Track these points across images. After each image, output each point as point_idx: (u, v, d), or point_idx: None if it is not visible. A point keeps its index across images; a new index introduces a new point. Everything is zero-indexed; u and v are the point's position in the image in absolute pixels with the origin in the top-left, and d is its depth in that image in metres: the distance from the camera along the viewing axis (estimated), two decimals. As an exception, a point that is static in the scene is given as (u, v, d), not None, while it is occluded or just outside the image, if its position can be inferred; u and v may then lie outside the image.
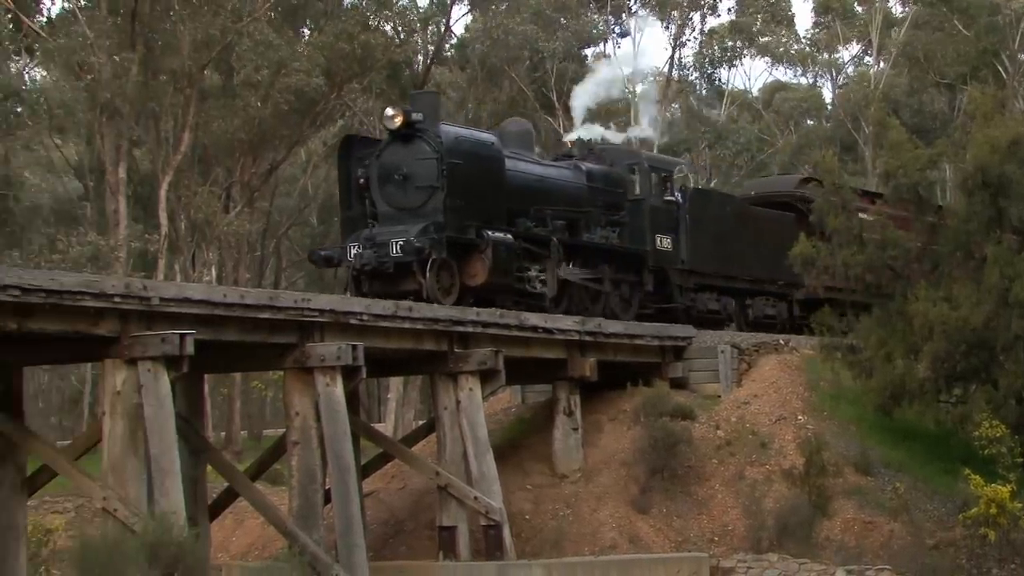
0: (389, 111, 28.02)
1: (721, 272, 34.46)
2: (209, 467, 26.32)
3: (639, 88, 66.80)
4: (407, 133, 27.24)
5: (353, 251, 26.75)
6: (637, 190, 32.41)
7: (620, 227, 31.78)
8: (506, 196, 28.46)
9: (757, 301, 36.39)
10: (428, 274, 25.86)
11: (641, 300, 32.16)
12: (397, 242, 26.00)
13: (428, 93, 32.56)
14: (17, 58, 47.17)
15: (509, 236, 27.77)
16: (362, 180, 27.71)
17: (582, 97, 39.38)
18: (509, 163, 29.11)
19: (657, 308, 32.48)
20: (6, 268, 19.72)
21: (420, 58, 57.13)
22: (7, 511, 22.39)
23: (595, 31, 61.43)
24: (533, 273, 28.78)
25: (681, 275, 32.99)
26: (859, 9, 67.65)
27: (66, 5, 50.54)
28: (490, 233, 27.06)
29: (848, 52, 71.69)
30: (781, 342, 34.03)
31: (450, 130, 28.00)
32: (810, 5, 71.55)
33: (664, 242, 32.30)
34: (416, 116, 27.15)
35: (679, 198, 33.51)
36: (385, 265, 26.14)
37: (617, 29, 64.36)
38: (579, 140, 34.47)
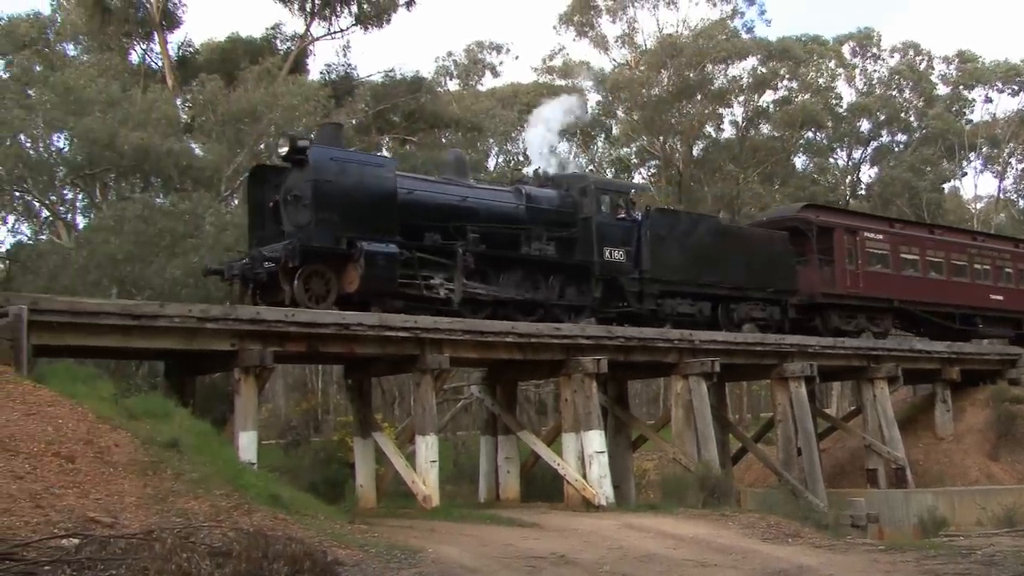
0: (280, 141, 18.97)
1: (693, 280, 23.35)
2: (731, 435, 26.54)
3: (979, 205, 63.84)
4: (300, 159, 17.96)
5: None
6: (585, 210, 21.97)
7: (570, 242, 21.66)
8: (403, 212, 18.62)
9: (742, 306, 24.38)
10: (296, 282, 16.95)
11: (594, 305, 21.69)
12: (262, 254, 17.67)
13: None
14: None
15: (391, 247, 17.93)
16: (271, 203, 18.50)
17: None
18: (423, 184, 20.03)
19: (618, 312, 22.30)
20: (622, 328, 20.76)
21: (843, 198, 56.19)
22: (624, 459, 23.40)
23: (948, 172, 58.69)
24: (437, 281, 19.02)
25: (640, 283, 22.38)
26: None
27: (644, 177, 53.14)
28: (364, 244, 17.49)
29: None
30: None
31: (322, 151, 18.00)
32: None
33: (615, 254, 21.99)
34: (302, 143, 18.05)
35: (638, 216, 23.01)
36: (259, 275, 17.54)
37: (959, 172, 61.34)
38: (536, 170, 23.30)
